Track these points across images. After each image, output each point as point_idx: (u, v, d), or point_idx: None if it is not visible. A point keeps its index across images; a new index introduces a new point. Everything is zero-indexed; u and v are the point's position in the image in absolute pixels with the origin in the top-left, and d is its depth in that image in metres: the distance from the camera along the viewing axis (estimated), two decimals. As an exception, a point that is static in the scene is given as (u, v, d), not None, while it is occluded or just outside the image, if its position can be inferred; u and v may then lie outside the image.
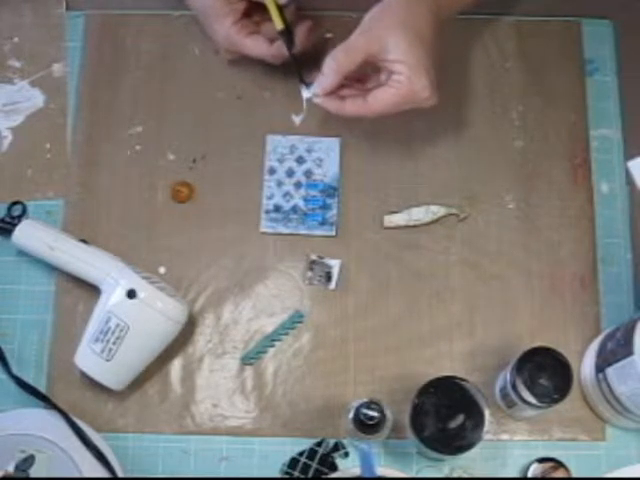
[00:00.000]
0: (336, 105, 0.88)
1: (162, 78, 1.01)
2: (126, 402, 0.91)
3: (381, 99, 0.85)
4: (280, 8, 0.90)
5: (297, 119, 0.99)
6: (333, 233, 0.96)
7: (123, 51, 1.02)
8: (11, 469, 0.83)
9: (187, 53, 1.02)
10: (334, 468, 0.90)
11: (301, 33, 0.92)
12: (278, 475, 0.89)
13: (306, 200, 0.97)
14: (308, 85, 0.90)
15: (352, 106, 0.87)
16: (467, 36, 1.01)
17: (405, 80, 0.84)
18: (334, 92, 0.87)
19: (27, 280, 0.95)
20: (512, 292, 0.94)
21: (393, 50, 0.84)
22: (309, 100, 0.89)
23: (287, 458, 0.90)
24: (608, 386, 0.85)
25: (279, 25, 0.91)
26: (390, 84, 0.85)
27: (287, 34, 0.91)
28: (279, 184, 0.97)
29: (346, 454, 0.90)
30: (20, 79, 1.01)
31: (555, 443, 0.90)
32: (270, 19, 0.91)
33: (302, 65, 0.92)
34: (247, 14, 0.94)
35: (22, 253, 0.94)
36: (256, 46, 0.94)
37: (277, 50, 0.93)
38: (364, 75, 0.89)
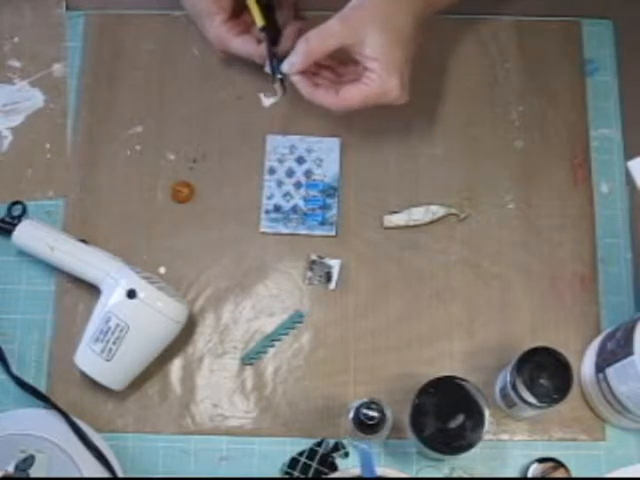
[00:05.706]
0: (309, 89, 0.87)
1: (162, 78, 1.01)
2: (126, 402, 0.91)
3: (352, 95, 0.85)
4: (262, 6, 0.90)
5: (267, 101, 0.99)
6: (333, 233, 0.96)
7: (123, 51, 1.02)
8: (11, 469, 0.82)
9: (187, 53, 1.02)
10: (334, 468, 0.90)
11: (291, 33, 0.92)
12: (278, 475, 0.89)
13: (306, 200, 0.97)
14: (276, 62, 0.89)
15: (324, 96, 0.87)
16: (467, 36, 1.01)
17: (377, 79, 0.84)
18: (308, 78, 0.87)
19: (27, 280, 0.95)
20: (512, 292, 0.94)
21: (370, 46, 0.83)
22: (279, 79, 0.89)
23: (287, 458, 0.90)
24: (608, 386, 0.85)
25: (259, 22, 0.91)
26: (363, 81, 0.85)
27: (269, 32, 0.91)
28: (279, 184, 0.97)
29: (346, 454, 0.90)
30: (20, 79, 1.01)
31: (555, 443, 0.90)
32: None
33: (275, 52, 0.90)
34: (238, 14, 0.94)
35: (22, 253, 0.94)
36: (244, 46, 0.94)
37: (264, 51, 0.93)
38: (341, 65, 0.89)
